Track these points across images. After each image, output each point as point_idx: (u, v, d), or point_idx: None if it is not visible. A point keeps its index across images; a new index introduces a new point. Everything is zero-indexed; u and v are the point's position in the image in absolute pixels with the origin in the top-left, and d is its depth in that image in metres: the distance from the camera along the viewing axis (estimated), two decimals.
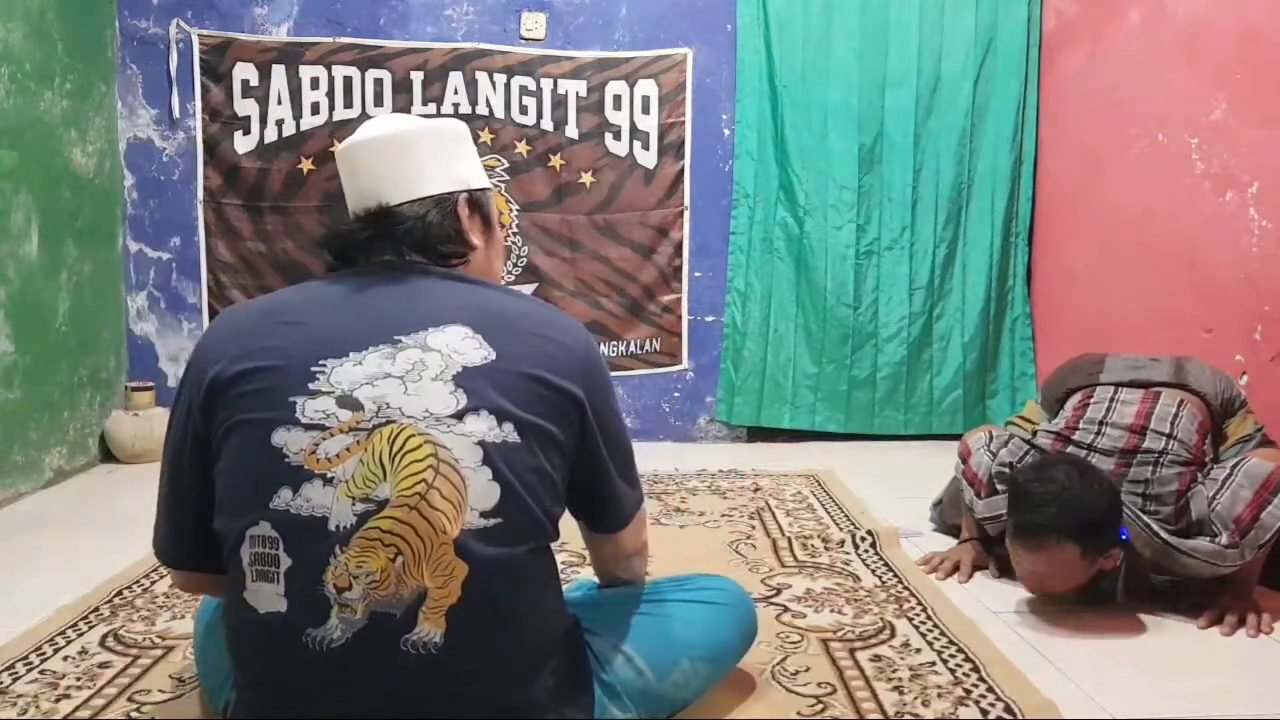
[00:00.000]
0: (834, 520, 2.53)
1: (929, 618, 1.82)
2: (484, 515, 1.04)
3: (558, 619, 1.18)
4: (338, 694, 1.02)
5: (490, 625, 1.05)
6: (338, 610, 1.00)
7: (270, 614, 1.02)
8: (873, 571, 2.10)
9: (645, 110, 3.60)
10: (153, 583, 2.01)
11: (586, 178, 3.59)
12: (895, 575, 2.07)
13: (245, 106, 3.45)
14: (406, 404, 1.05)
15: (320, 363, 1.08)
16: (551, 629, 1.15)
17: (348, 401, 1.05)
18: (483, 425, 1.06)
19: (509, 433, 1.07)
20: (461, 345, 1.10)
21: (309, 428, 1.04)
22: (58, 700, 1.46)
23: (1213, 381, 2.11)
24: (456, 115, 3.50)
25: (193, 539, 1.17)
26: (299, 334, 1.11)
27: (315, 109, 3.48)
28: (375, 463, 1.03)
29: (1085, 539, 1.73)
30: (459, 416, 1.05)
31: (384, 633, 1.00)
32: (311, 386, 1.06)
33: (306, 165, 3.48)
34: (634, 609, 1.36)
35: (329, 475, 1.03)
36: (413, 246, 1.20)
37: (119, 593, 1.93)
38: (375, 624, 1.00)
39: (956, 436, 3.49)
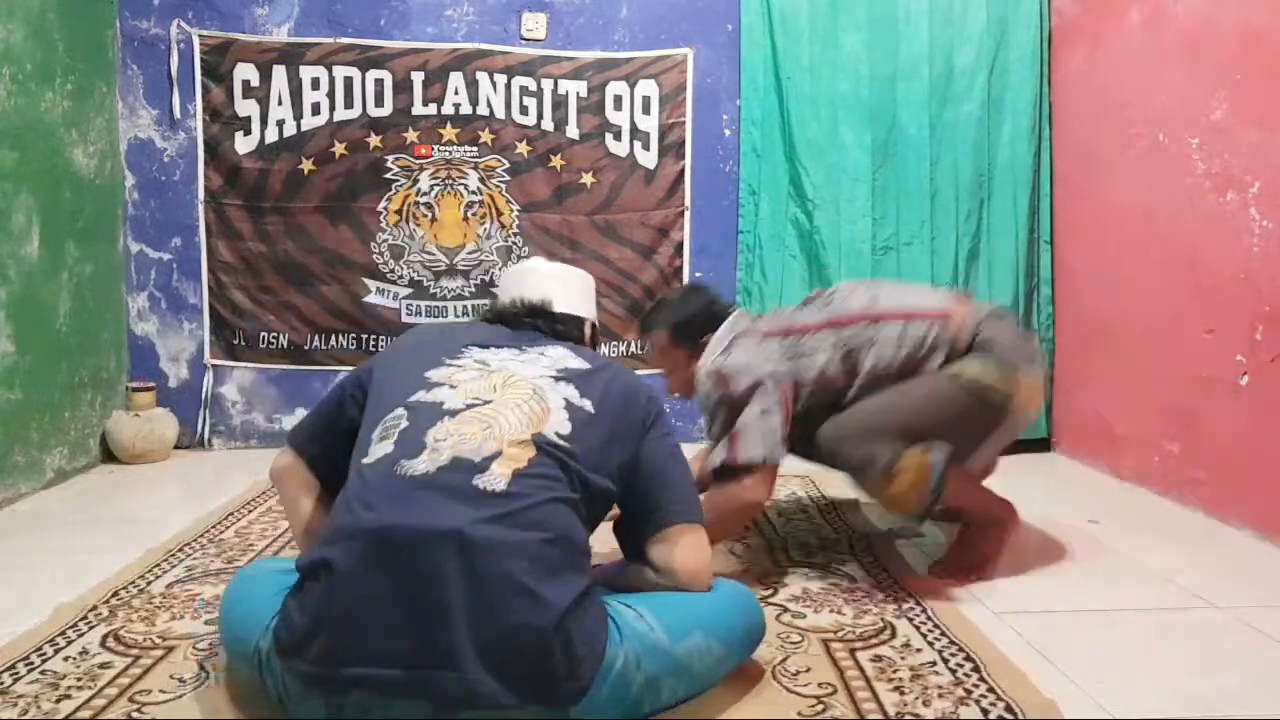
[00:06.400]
0: (827, 521, 2.53)
1: (929, 618, 1.82)
2: (560, 437, 1.38)
3: (585, 557, 1.35)
4: (409, 509, 1.25)
5: (540, 495, 1.29)
6: (429, 451, 1.32)
7: (380, 457, 1.34)
8: (868, 572, 2.10)
9: (646, 110, 3.60)
10: (148, 583, 2.01)
11: (587, 178, 3.59)
12: (889, 576, 2.08)
13: (246, 107, 3.45)
14: (520, 370, 1.48)
15: (466, 347, 1.55)
16: (581, 552, 1.33)
17: (479, 362, 1.50)
18: (571, 391, 1.46)
19: (587, 405, 1.45)
20: (567, 358, 1.55)
21: (449, 367, 1.48)
22: (59, 701, 1.46)
23: (985, 318, 2.04)
24: (457, 115, 3.51)
25: (323, 442, 1.59)
26: (454, 334, 1.61)
27: (316, 109, 3.48)
28: (489, 387, 1.43)
29: (674, 328, 2.23)
30: (555, 380, 1.47)
31: (461, 470, 1.29)
32: (458, 354, 1.52)
33: (307, 166, 3.48)
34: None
35: (454, 384, 1.44)
36: (553, 337, 1.66)
37: (115, 593, 1.93)
38: (455, 464, 1.30)
39: None
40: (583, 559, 1.33)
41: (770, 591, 1.97)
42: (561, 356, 1.54)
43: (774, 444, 1.94)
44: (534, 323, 1.67)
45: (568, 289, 1.77)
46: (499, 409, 1.38)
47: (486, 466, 1.29)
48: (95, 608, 1.84)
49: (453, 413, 1.37)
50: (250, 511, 2.63)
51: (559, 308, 1.71)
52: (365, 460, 1.36)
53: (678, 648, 1.34)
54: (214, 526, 2.46)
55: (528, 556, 1.22)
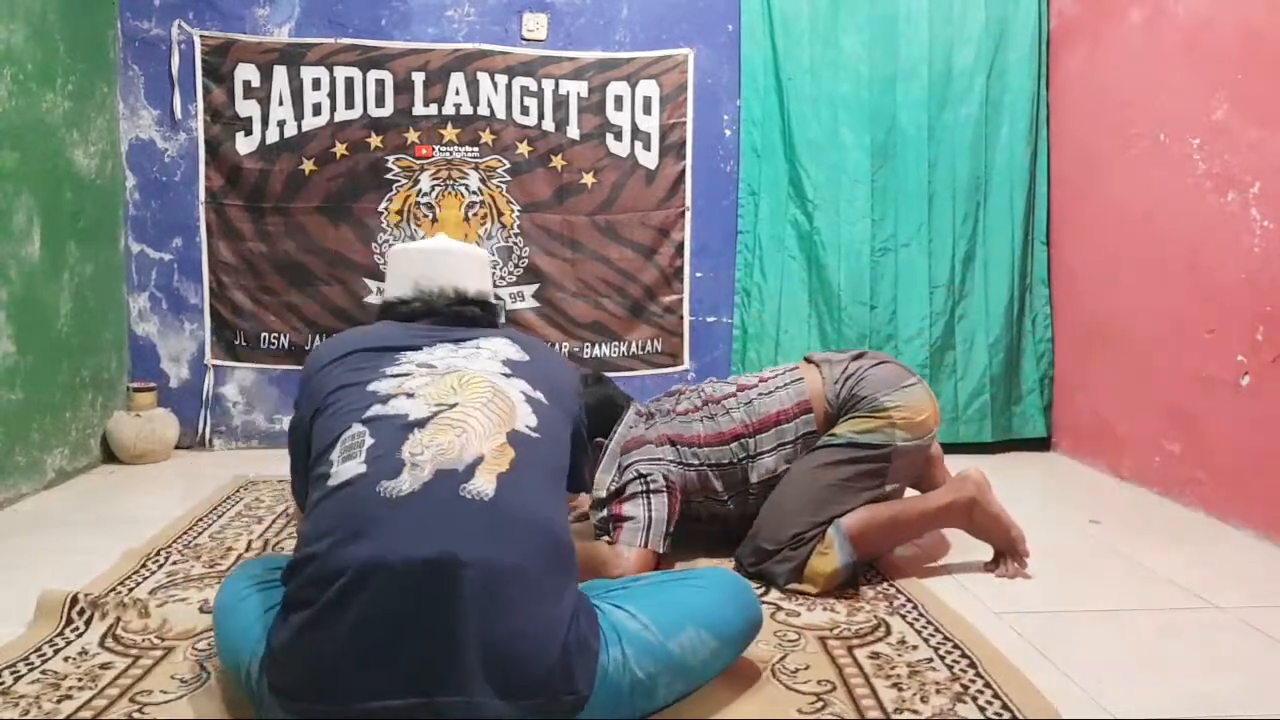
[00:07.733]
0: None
1: (921, 614, 1.83)
2: (530, 429, 1.38)
3: (572, 553, 1.35)
4: (404, 534, 1.19)
5: (526, 497, 1.29)
6: (409, 469, 1.26)
7: (351, 477, 1.27)
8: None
9: (646, 111, 3.60)
10: (129, 590, 2.00)
11: (588, 178, 3.60)
12: (879, 574, 2.09)
13: (247, 107, 3.46)
14: (468, 366, 1.45)
15: (400, 353, 1.48)
16: (568, 547, 1.33)
17: (424, 365, 1.45)
18: (524, 384, 1.45)
19: (541, 396, 1.45)
20: (505, 349, 1.53)
21: (395, 377, 1.41)
22: (59, 701, 1.46)
23: (842, 374, 2.19)
24: (458, 116, 3.51)
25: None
26: (384, 340, 1.52)
27: (317, 110, 3.48)
28: (448, 389, 1.39)
29: None
30: (506, 377, 1.45)
31: (447, 483, 1.25)
32: (396, 361, 1.46)
33: (308, 166, 3.48)
34: (635, 585, 1.46)
35: (411, 393, 1.37)
36: (468, 320, 1.64)
37: (97, 602, 1.92)
38: (439, 477, 1.25)
39: (984, 446, 3.50)
40: (570, 555, 1.33)
41: (763, 590, 1.97)
42: (499, 348, 1.52)
43: (659, 535, 2.05)
44: (460, 311, 1.63)
45: (471, 268, 1.71)
46: (466, 411, 1.33)
47: (471, 474, 1.26)
48: (81, 610, 1.77)
49: (420, 423, 1.31)
50: (219, 517, 2.55)
51: (474, 290, 1.68)
52: (333, 482, 1.28)
53: (672, 643, 1.33)
54: (186, 532, 2.39)
55: (525, 571, 1.21)
